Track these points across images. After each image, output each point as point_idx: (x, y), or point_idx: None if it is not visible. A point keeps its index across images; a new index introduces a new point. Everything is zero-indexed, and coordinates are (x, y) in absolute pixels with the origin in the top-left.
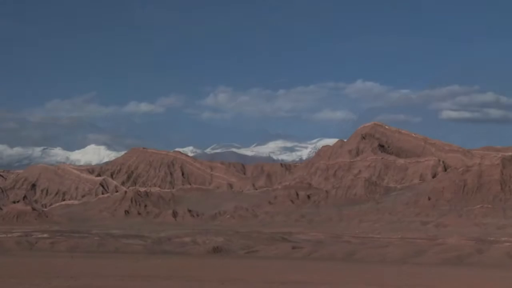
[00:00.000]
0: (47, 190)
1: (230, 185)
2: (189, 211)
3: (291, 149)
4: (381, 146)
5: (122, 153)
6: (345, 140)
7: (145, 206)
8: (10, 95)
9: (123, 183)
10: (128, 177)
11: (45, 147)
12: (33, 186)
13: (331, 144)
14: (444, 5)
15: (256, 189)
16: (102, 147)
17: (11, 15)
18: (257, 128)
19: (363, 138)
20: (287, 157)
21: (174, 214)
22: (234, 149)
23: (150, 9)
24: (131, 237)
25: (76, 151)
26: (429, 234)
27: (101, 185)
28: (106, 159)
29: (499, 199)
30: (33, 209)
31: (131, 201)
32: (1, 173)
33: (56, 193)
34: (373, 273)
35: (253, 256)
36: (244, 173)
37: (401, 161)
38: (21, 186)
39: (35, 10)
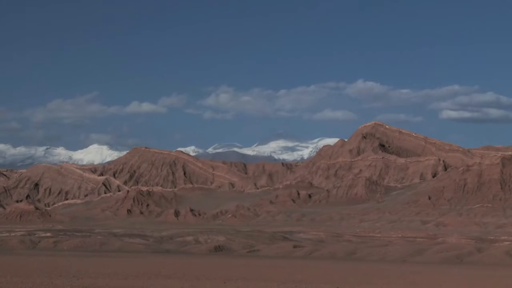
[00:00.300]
0: (50, 190)
1: (232, 185)
2: (191, 210)
3: (292, 149)
4: (382, 146)
5: (125, 152)
6: (346, 140)
7: (147, 205)
8: (12, 95)
9: (125, 183)
10: (131, 177)
11: (48, 146)
12: (36, 185)
13: (332, 144)
14: (444, 5)
15: (258, 189)
16: (105, 147)
17: (14, 15)
18: (258, 128)
19: (364, 137)
20: (288, 156)
21: (176, 213)
22: (235, 149)
23: (153, 10)
24: (134, 236)
25: (79, 151)
26: (429, 233)
27: (104, 184)
28: (108, 159)
29: (499, 198)
30: (36, 208)
31: (134, 201)
32: (4, 173)
33: (59, 193)
34: (373, 271)
35: (255, 255)
36: (246, 173)
37: (401, 160)
38: (24, 185)
39: (38, 10)
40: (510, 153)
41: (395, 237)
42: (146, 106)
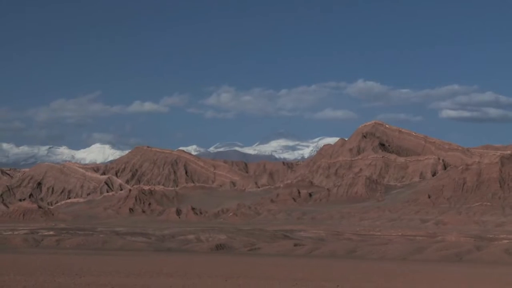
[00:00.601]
0: (52, 188)
1: (233, 183)
2: (193, 209)
3: (293, 148)
4: (382, 145)
5: (127, 151)
6: (346, 139)
7: (149, 204)
8: (16, 95)
9: (127, 182)
10: (133, 176)
11: (51, 146)
12: (39, 184)
13: (332, 143)
14: (444, 5)
15: (259, 187)
16: (107, 146)
17: (17, 15)
18: (259, 127)
19: (364, 137)
20: (289, 155)
21: (178, 212)
22: (237, 148)
23: (154, 10)
24: (136, 235)
25: (81, 150)
26: (429, 231)
27: (106, 183)
28: (110, 158)
29: (498, 197)
30: (39, 207)
31: (136, 199)
32: (8, 172)
33: (62, 191)
34: (374, 270)
35: (256, 253)
36: (247, 172)
37: (401, 159)
38: (27, 184)
39: (41, 10)
40: (509, 152)
41: (395, 236)
42: (148, 106)
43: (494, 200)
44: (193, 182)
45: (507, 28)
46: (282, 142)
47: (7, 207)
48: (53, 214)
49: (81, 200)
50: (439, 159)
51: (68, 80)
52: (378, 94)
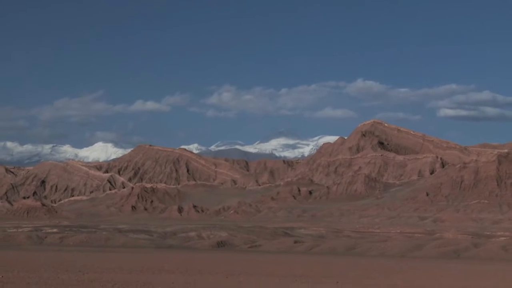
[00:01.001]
0: (56, 186)
1: (234, 181)
2: (194, 206)
3: (293, 146)
4: (381, 143)
5: (129, 150)
6: (345, 138)
7: (151, 201)
8: (20, 94)
9: (130, 180)
10: (135, 174)
11: (54, 144)
12: (43, 182)
13: (332, 141)
14: (443, 5)
15: (259, 185)
16: (110, 145)
17: (20, 15)
18: (260, 126)
19: (363, 135)
20: (289, 154)
21: (180, 210)
22: (238, 146)
23: (156, 10)
24: (138, 232)
25: (84, 148)
26: (427, 228)
27: (109, 181)
28: (113, 156)
29: (495, 195)
30: (43, 204)
31: (138, 197)
32: (12, 170)
33: (65, 189)
34: (373, 266)
35: (256, 250)
36: (248, 170)
37: (400, 157)
38: (31, 182)
39: (43, 11)
40: (506, 150)
41: (394, 233)
42: (150, 105)
43: (491, 197)
44: (195, 180)
45: (504, 28)
46: (283, 140)
47: (11, 204)
48: (56, 212)
49: (84, 198)
50: (437, 157)
51: (72, 79)
52: (377, 93)
